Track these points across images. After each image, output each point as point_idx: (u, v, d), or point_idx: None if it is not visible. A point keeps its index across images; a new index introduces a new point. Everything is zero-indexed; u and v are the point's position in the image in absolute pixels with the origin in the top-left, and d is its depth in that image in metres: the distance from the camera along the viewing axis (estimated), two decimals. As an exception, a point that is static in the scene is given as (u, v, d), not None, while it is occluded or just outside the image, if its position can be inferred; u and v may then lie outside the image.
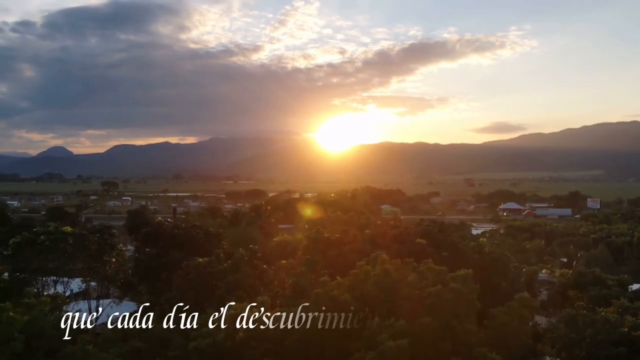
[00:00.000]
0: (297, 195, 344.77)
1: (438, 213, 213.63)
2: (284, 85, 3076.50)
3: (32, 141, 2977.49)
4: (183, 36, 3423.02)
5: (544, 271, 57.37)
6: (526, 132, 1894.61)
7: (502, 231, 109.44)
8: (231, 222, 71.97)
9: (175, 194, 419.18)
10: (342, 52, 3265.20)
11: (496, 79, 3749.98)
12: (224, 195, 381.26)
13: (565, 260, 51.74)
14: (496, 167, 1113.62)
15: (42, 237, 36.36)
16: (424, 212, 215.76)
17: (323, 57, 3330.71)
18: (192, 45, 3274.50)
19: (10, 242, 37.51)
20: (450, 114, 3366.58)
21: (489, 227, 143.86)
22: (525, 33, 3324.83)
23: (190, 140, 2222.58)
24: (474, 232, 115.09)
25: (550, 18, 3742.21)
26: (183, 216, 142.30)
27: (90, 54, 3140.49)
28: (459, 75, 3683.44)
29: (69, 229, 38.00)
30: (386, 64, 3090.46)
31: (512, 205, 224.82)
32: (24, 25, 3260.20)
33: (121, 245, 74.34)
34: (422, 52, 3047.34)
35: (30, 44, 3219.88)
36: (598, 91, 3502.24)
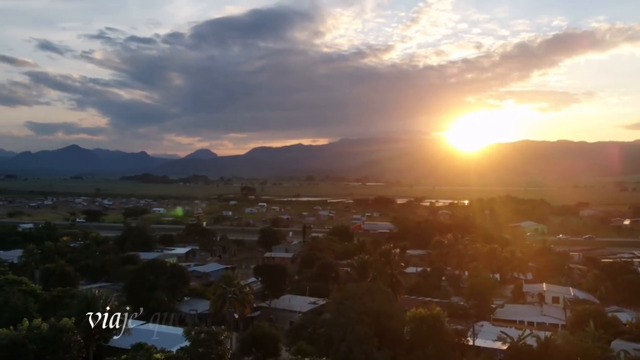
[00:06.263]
0: (427, 203, 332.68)
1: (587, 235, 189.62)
2: (414, 83, 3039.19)
3: (181, 144, 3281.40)
4: (317, 41, 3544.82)
5: None
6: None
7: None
8: (359, 273, 65.99)
9: (306, 199, 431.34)
10: (478, 46, 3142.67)
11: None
12: (352, 201, 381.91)
13: None
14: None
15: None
16: (574, 231, 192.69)
17: (457, 52, 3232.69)
18: (326, 50, 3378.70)
19: None
20: (598, 109, 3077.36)
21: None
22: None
23: (322, 141, 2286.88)
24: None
25: None
26: (311, 237, 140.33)
27: (233, 62, 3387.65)
28: (609, 66, 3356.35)
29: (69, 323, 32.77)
30: (527, 57, 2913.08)
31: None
32: (174, 37, 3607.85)
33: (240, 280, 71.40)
34: (567, 43, 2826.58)
35: (179, 54, 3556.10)
36: None
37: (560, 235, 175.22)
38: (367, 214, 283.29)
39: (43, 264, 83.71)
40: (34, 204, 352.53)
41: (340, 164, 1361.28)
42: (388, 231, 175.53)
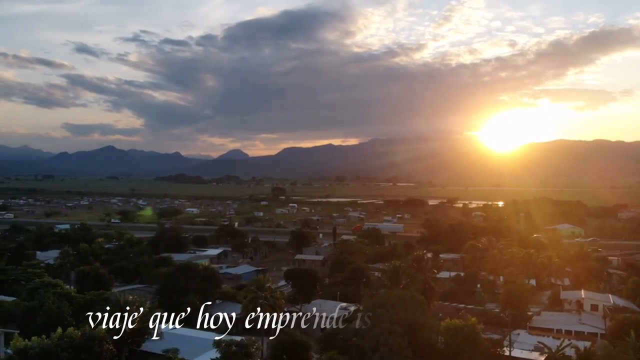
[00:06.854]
0: (459, 205, 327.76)
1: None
2: (446, 82, 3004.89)
3: (214, 145, 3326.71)
4: (348, 41, 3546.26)
5: None
6: None
7: None
8: (391, 280, 64.87)
9: (336, 200, 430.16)
10: (512, 44, 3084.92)
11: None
12: (382, 202, 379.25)
13: None
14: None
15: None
16: (612, 235, 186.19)
17: (491, 50, 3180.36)
18: (356, 49, 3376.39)
19: None
20: (637, 108, 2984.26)
21: None
22: None
23: (352, 141, 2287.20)
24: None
25: None
26: (341, 239, 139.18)
27: (264, 64, 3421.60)
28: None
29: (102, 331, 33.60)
30: (562, 55, 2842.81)
31: None
32: (207, 39, 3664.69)
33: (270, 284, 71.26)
34: (604, 41, 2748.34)
35: (212, 56, 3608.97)
36: None
37: (577, 239, 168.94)
38: (397, 215, 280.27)
39: (78, 266, 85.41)
40: (70, 204, 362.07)
41: (370, 164, 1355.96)
42: (389, 233, 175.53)
